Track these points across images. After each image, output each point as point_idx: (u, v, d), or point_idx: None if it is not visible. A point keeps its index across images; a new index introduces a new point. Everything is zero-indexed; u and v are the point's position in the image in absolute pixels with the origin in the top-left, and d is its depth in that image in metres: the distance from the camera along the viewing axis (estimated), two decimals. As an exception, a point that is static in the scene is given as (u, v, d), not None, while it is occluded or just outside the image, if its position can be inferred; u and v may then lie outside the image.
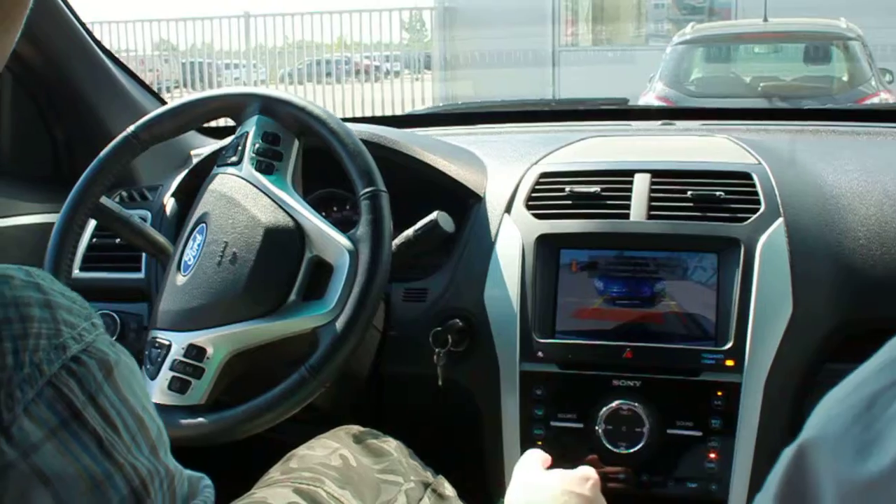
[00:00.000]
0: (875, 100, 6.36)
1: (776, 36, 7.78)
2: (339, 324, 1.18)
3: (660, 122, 1.94)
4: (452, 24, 11.81)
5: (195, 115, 1.39)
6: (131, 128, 1.38)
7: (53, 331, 0.48)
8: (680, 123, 1.91)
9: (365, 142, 1.29)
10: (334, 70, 12.05)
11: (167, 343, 1.25)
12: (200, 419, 1.20)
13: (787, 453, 0.45)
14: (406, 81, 12.08)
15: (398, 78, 12.11)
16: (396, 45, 12.66)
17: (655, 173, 1.46)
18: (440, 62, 11.91)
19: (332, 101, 11.25)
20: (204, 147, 1.73)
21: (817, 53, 7.35)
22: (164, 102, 1.77)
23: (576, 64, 11.39)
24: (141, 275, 1.57)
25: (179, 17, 12.37)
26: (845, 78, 7.01)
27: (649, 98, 6.80)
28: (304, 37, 12.16)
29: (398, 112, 10.65)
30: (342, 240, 1.22)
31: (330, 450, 1.23)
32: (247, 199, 1.27)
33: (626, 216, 1.40)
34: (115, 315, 1.52)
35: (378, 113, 10.63)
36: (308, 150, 1.34)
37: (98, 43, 1.63)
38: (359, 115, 10.35)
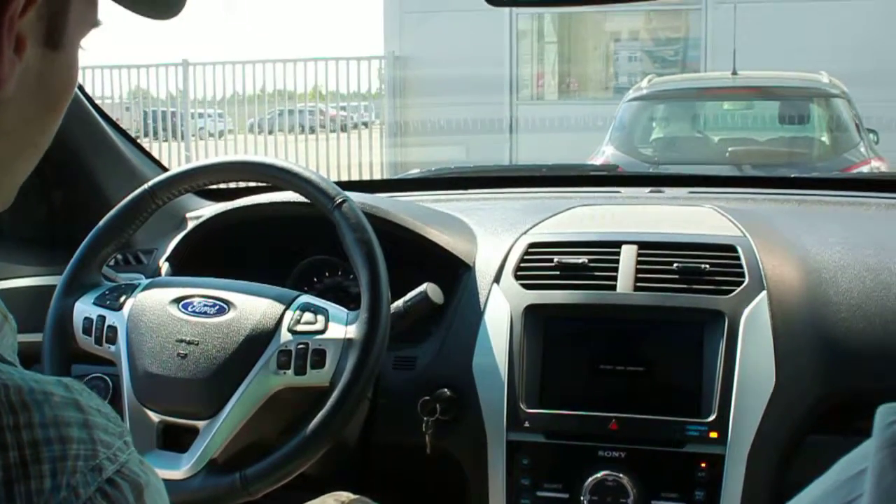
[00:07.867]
0: (864, 168, 5.23)
1: (746, 91, 6.54)
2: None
3: (648, 190, 1.97)
4: (404, 92, 11.27)
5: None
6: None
7: (91, 452, 0.48)
8: (668, 191, 1.95)
9: None
10: (298, 120, 11.54)
11: None
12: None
13: None
14: (375, 131, 11.73)
15: (367, 129, 11.78)
16: (364, 96, 12.28)
17: (642, 245, 1.48)
18: (391, 128, 11.34)
19: (304, 155, 10.80)
20: (200, 209, 1.75)
21: (794, 111, 6.22)
22: (165, 169, 1.79)
23: (540, 118, 10.85)
24: None
25: (151, 63, 11.92)
26: (828, 141, 5.93)
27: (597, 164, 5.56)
28: (277, 86, 11.81)
29: (373, 163, 10.43)
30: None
31: (318, 516, 1.24)
32: None
33: (613, 287, 1.42)
34: (107, 378, 1.52)
35: (353, 165, 10.41)
36: (297, 217, 1.37)
37: (96, 107, 1.65)
38: (332, 167, 10.26)
